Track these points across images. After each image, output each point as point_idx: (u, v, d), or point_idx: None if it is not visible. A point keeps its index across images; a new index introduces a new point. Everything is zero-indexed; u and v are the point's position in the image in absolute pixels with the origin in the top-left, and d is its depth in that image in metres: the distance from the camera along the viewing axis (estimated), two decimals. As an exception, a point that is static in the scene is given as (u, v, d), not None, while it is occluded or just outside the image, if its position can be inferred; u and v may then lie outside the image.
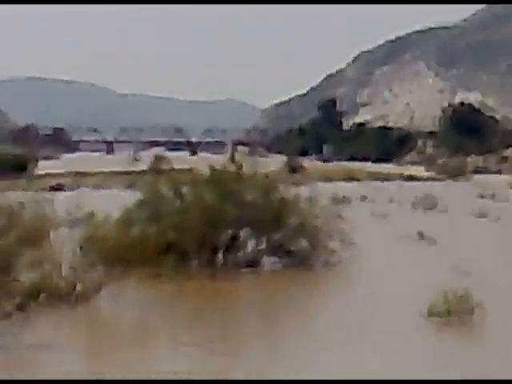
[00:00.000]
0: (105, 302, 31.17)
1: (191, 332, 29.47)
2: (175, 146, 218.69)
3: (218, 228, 40.30)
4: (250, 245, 40.85)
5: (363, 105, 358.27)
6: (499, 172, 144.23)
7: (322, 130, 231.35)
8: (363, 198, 78.27)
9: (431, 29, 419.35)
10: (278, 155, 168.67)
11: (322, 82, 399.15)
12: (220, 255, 40.04)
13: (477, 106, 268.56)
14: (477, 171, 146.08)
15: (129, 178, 79.19)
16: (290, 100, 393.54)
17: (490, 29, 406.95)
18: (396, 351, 26.10)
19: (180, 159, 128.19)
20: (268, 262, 40.69)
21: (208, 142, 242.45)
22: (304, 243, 41.26)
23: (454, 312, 28.82)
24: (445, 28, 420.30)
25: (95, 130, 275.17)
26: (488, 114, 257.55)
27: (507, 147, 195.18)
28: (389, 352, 26.04)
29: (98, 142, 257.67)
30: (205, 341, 27.88)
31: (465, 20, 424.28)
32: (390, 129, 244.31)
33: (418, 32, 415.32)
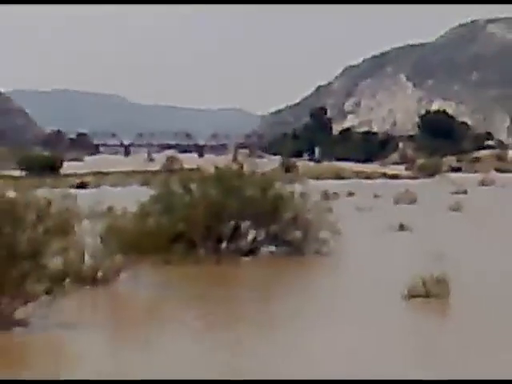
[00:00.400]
0: (123, 284, 31.44)
1: (197, 308, 30.33)
2: (185, 149, 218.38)
3: (221, 220, 40.54)
4: (250, 235, 41.07)
5: (350, 112, 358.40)
6: (471, 171, 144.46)
7: (314, 134, 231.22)
8: (350, 194, 78.35)
9: (409, 45, 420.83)
10: (274, 156, 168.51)
11: (313, 92, 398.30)
12: (224, 244, 40.27)
13: (451, 112, 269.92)
14: (451, 170, 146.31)
15: (144, 177, 79.33)
16: (284, 108, 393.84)
17: (460, 46, 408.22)
18: (374, 324, 26.53)
19: (189, 160, 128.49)
20: (266, 250, 40.96)
21: (213, 145, 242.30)
22: (297, 234, 41.48)
23: (433, 292, 29.04)
24: (421, 45, 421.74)
25: (114, 135, 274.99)
26: (461, 119, 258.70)
27: (478, 149, 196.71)
28: (365, 321, 26.57)
29: (116, 145, 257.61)
30: (207, 314, 28.82)
31: (441, 36, 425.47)
32: (374, 133, 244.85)
33: (397, 48, 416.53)
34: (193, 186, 41.72)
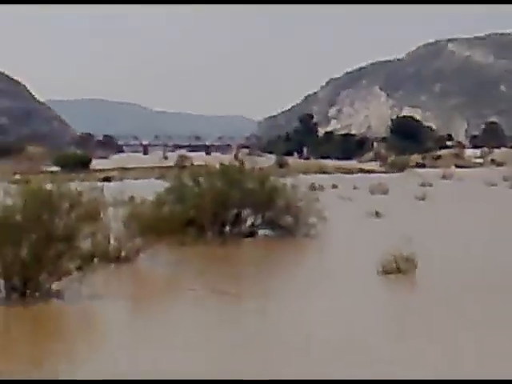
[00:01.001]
0: (142, 262, 31.48)
1: (205, 280, 30.26)
2: (195, 148, 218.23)
3: (226, 208, 40.60)
4: (250, 220, 41.19)
5: (333, 118, 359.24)
6: (434, 167, 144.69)
7: (302, 136, 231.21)
8: (334, 186, 78.33)
9: (382, 61, 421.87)
10: (270, 155, 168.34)
11: (302, 101, 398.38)
12: (227, 228, 40.40)
13: (417, 118, 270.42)
14: (417, 166, 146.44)
15: (160, 172, 79.12)
16: (278, 114, 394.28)
17: (425, 62, 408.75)
18: (353, 293, 26.65)
19: (198, 158, 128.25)
20: (262, 233, 41.11)
21: (219, 145, 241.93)
22: (289, 219, 41.55)
23: (402, 268, 29.08)
24: (392, 61, 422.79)
25: (135, 137, 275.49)
26: (426, 124, 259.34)
27: (440, 148, 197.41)
28: (343, 292, 26.68)
29: (137, 145, 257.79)
30: (214, 283, 29.01)
31: (409, 53, 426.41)
32: (352, 135, 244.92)
33: (372, 64, 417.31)
34: (201, 180, 41.84)
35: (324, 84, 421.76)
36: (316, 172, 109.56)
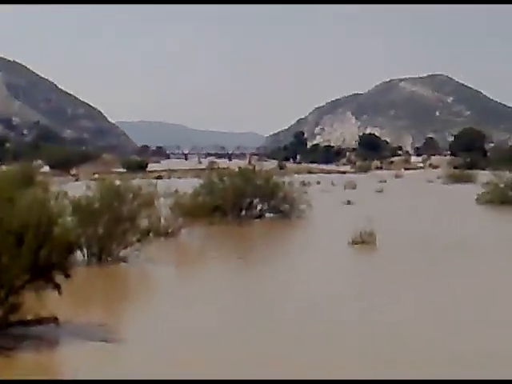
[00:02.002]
0: (183, 237, 31.40)
1: (227, 247, 31.26)
2: (220, 156, 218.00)
3: (242, 198, 40.61)
4: (258, 207, 41.23)
5: (317, 134, 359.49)
6: (389, 169, 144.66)
7: (296, 147, 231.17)
8: (318, 183, 78.12)
9: (353, 94, 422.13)
10: (273, 160, 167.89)
11: (296, 122, 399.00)
12: (243, 212, 40.38)
13: (377, 134, 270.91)
14: (377, 168, 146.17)
15: (196, 172, 78.85)
16: (279, 132, 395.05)
17: (383, 94, 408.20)
18: (325, 257, 26.79)
19: (222, 163, 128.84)
20: (268, 215, 41.11)
21: (237, 154, 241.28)
22: (286, 206, 41.58)
23: (366, 241, 29.14)
24: (360, 94, 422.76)
25: (178, 147, 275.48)
26: (383, 139, 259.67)
27: (393, 156, 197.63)
28: (323, 256, 26.76)
29: (179, 153, 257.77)
30: (234, 249, 29.91)
31: (372, 88, 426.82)
32: (332, 147, 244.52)
33: (345, 96, 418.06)
34: (225, 178, 41.91)
35: (311, 111, 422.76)
36: (306, 172, 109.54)
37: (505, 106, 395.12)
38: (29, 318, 14.50)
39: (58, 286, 14.99)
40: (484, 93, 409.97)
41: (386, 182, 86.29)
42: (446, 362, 13.17)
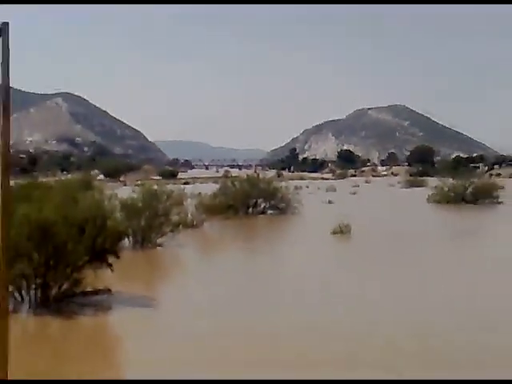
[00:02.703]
0: (206, 228, 31.39)
1: (239, 236, 30.67)
2: (232, 167, 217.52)
3: (249, 198, 40.42)
4: (262, 205, 40.99)
5: (306, 150, 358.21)
6: (361, 176, 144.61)
7: (290, 160, 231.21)
8: (306, 187, 77.88)
9: (333, 120, 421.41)
10: (273, 170, 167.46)
11: (290, 141, 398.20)
12: (250, 209, 40.22)
13: (352, 150, 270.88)
14: (352, 176, 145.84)
15: (214, 179, 78.58)
16: (278, 148, 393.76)
17: (357, 119, 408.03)
18: (312, 243, 26.71)
19: (234, 172, 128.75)
20: (269, 212, 40.84)
21: (245, 165, 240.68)
22: (283, 204, 41.37)
23: (344, 231, 29.08)
24: (338, 119, 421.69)
25: (200, 160, 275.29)
26: (356, 153, 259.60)
27: (363, 166, 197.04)
28: (311, 241, 26.73)
29: (201, 165, 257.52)
30: (244, 237, 29.02)
31: (347, 115, 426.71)
32: (317, 159, 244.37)
33: (327, 121, 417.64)
34: (236, 183, 41.74)
35: (302, 132, 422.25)
36: (298, 179, 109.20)
37: (449, 128, 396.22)
38: (88, 289, 14.63)
39: (110, 265, 15.10)
40: (432, 118, 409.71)
41: (358, 186, 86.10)
42: (391, 319, 13.25)
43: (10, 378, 3.45)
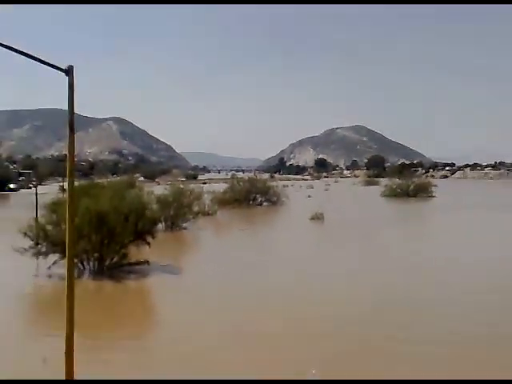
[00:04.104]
0: (219, 216, 31.23)
1: (243, 220, 29.94)
2: (238, 171, 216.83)
3: (250, 194, 40.26)
4: (259, 199, 40.69)
5: (291, 159, 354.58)
6: (332, 177, 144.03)
7: (279, 166, 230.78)
8: (292, 185, 77.73)
9: (310, 136, 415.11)
10: (267, 173, 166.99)
11: (279, 152, 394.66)
12: (251, 202, 40.01)
13: (325, 158, 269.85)
14: (325, 177, 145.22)
15: (226, 181, 78.59)
16: (270, 157, 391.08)
17: (328, 136, 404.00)
18: (296, 227, 26.57)
19: (239, 175, 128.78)
20: (265, 204, 40.63)
21: (247, 170, 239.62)
22: (274, 198, 41.23)
23: (319, 217, 29.00)
24: (314, 136, 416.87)
25: (214, 166, 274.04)
26: (329, 161, 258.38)
27: (333, 170, 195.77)
28: (295, 225, 26.55)
29: (215, 170, 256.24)
30: (247, 222, 28.48)
31: (321, 133, 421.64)
32: (299, 165, 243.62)
33: (307, 137, 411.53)
34: (240, 183, 41.58)
35: (288, 145, 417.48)
36: (285, 180, 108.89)
37: (396, 142, 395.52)
38: (132, 261, 14.65)
39: (148, 243, 15.14)
40: (384, 135, 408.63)
41: (329, 185, 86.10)
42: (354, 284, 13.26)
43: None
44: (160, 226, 22.55)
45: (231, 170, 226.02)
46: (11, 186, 66.98)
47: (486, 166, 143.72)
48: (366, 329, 9.27)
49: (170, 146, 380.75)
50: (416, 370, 7.36)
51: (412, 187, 52.54)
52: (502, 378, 6.86)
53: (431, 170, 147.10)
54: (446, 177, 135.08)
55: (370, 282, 13.29)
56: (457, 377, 7.01)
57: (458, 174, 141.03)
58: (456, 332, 9.10)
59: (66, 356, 3.45)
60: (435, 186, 56.24)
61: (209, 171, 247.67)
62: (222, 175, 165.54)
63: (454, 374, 7.12)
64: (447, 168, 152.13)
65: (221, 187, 42.11)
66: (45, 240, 13.96)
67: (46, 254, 13.97)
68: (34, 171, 72.28)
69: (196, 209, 26.81)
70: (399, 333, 9.08)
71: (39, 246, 14.04)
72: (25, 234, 14.08)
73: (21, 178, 73.84)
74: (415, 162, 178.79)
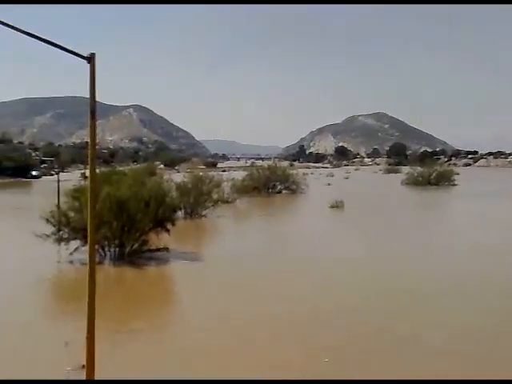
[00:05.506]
0: (238, 203, 31.20)
1: (261, 208, 29.84)
2: (258, 159, 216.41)
3: (269, 182, 40.19)
4: (279, 187, 40.58)
5: (311, 146, 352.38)
6: (352, 165, 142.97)
7: (299, 154, 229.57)
8: (311, 174, 77.40)
9: (331, 124, 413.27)
10: (287, 161, 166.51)
11: (299, 139, 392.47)
12: (270, 190, 39.97)
13: (346, 146, 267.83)
14: (345, 165, 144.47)
15: (244, 168, 78.44)
16: (290, 145, 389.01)
17: (349, 123, 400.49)
18: (315, 214, 26.51)
19: (258, 163, 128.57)
20: (284, 192, 40.49)
21: (267, 158, 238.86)
22: (294, 186, 41.11)
23: (339, 205, 28.89)
24: (335, 123, 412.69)
25: (233, 154, 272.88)
26: (348, 149, 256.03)
27: (354, 158, 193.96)
28: (314, 213, 26.58)
29: (234, 157, 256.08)
30: (265, 209, 28.50)
31: (342, 120, 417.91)
32: (319, 153, 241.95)
33: (327, 125, 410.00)
34: (260, 171, 41.47)
35: (308, 133, 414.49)
36: (305, 168, 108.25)
37: (417, 129, 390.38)
38: (152, 248, 14.81)
39: (168, 230, 15.24)
40: (406, 122, 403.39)
41: (350, 173, 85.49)
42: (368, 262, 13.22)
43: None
44: (180, 213, 22.71)
45: (251, 158, 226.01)
46: (34, 173, 68.02)
47: (510, 154, 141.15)
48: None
49: (189, 134, 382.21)
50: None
51: (434, 175, 52.02)
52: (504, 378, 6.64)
53: (453, 158, 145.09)
54: (468, 165, 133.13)
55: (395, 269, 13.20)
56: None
57: (481, 162, 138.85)
58: None
59: (88, 341, 3.52)
60: (457, 174, 55.58)
61: (228, 159, 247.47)
62: (242, 163, 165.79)
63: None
64: (470, 156, 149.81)
65: (240, 175, 42.10)
66: (66, 226, 14.17)
67: (67, 241, 14.18)
68: (56, 158, 73.17)
69: (215, 196, 26.84)
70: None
71: (61, 232, 14.26)
72: (47, 220, 14.31)
73: (43, 166, 74.83)
74: (437, 149, 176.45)
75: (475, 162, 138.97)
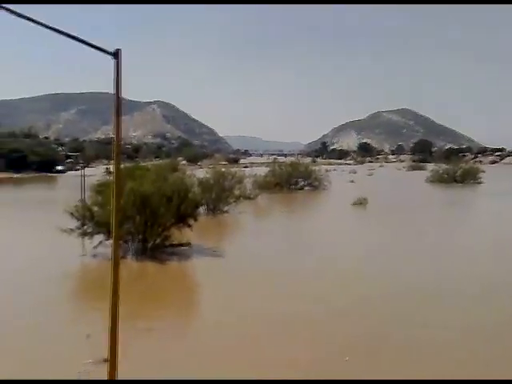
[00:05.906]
0: (260, 200, 31.22)
1: (282, 204, 29.92)
2: (280, 155, 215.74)
3: (291, 178, 40.13)
4: (301, 183, 40.51)
5: (334, 143, 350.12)
6: (376, 162, 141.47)
7: (322, 151, 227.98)
8: (334, 170, 76.89)
9: (354, 120, 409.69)
10: (309, 158, 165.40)
11: (322, 136, 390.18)
12: (292, 186, 39.84)
13: (369, 142, 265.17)
14: (369, 162, 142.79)
15: (266, 164, 78.38)
16: (312, 141, 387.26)
17: (373, 119, 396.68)
18: (337, 212, 26.35)
19: (281, 159, 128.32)
20: (306, 188, 40.34)
21: (289, 154, 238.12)
22: (316, 182, 40.99)
23: (362, 202, 28.67)
24: (358, 120, 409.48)
25: (256, 150, 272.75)
26: (372, 145, 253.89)
27: (377, 155, 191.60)
28: (336, 210, 26.36)
29: (256, 154, 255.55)
30: (286, 205, 28.59)
31: (365, 116, 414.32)
32: (342, 150, 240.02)
33: (350, 121, 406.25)
34: (282, 167, 41.41)
35: (331, 129, 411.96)
36: (327, 164, 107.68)
37: (443, 126, 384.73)
38: (174, 243, 14.95)
39: (190, 226, 15.35)
40: (431, 118, 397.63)
41: (374, 169, 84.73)
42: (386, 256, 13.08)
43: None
44: (202, 209, 22.86)
45: (273, 154, 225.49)
46: (59, 167, 69.16)
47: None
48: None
49: (212, 130, 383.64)
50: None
51: (459, 173, 51.21)
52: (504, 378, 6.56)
53: (479, 155, 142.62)
54: (495, 162, 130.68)
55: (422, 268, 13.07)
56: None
57: (508, 159, 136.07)
58: None
59: (110, 333, 3.57)
60: (483, 171, 54.65)
61: (250, 155, 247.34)
62: (264, 159, 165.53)
63: None
64: (497, 153, 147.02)
65: (263, 171, 42.08)
66: (91, 221, 14.38)
67: (91, 235, 14.40)
68: (81, 154, 74.19)
69: (237, 192, 26.89)
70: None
71: (85, 226, 14.48)
72: (71, 214, 14.54)
73: (68, 161, 75.97)
74: (463, 146, 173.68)
75: (502, 160, 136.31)
